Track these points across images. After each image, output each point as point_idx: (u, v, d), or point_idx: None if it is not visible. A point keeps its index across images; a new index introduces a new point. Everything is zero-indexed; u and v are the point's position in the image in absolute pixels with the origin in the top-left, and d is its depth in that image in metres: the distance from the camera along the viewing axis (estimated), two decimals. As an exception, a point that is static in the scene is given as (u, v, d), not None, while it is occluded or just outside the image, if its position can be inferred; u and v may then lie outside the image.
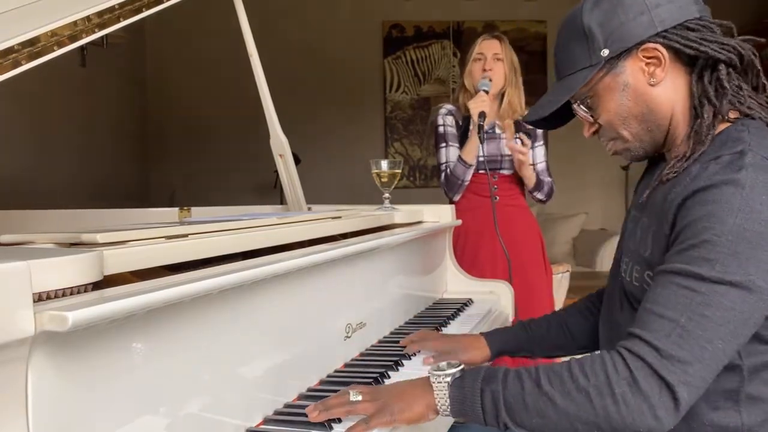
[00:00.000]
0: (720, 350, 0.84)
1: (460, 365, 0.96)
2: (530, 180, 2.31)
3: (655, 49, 0.97)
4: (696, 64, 0.98)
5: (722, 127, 0.97)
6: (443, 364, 0.98)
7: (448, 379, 0.94)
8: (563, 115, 1.09)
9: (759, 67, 0.99)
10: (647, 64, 0.98)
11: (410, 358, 1.29)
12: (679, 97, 1.00)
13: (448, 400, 0.93)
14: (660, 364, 0.83)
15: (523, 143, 2.26)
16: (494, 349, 1.29)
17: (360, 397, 0.96)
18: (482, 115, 2.18)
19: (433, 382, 0.95)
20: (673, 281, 0.87)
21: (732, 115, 0.98)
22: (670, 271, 0.88)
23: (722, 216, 0.85)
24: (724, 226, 0.84)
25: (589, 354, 0.92)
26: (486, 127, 2.22)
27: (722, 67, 0.96)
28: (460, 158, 2.29)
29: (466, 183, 2.31)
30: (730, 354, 0.86)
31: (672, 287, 0.87)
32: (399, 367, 1.23)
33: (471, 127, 2.29)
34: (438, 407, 0.94)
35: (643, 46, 0.97)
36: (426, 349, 1.30)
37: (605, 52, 0.99)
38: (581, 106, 1.06)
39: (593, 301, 1.30)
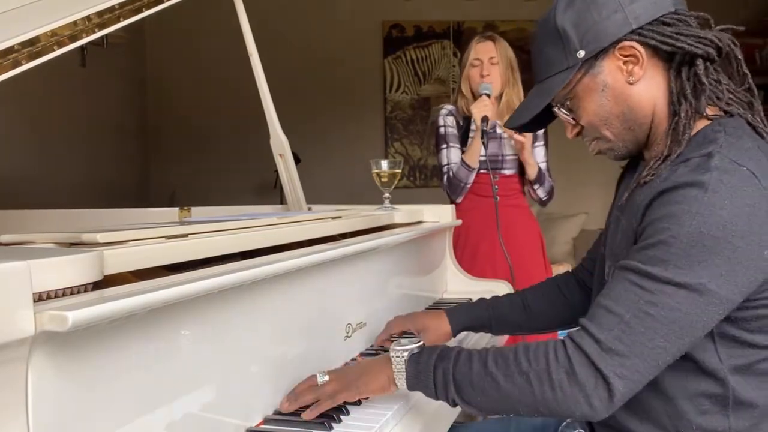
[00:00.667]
0: (660, 348, 0.85)
1: (419, 341, 1.01)
2: (533, 168, 2.30)
3: (632, 47, 0.96)
4: (673, 58, 0.96)
5: (701, 125, 0.96)
6: (404, 340, 1.02)
7: (406, 354, 0.99)
8: (545, 116, 1.09)
9: (740, 57, 0.98)
10: (625, 62, 0.97)
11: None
12: (660, 94, 0.98)
13: (404, 374, 0.98)
14: (598, 356, 0.86)
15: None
16: (455, 326, 1.32)
17: (327, 377, 1.03)
18: (485, 119, 2.18)
19: (392, 356, 1.00)
20: (627, 277, 0.88)
21: (711, 111, 0.96)
22: (626, 267, 0.89)
23: (681, 217, 0.85)
24: (682, 228, 0.84)
25: (536, 341, 0.93)
26: (488, 128, 2.23)
27: (699, 61, 0.95)
28: (463, 162, 2.29)
29: (469, 185, 2.32)
30: (675, 353, 0.87)
31: (624, 283, 0.88)
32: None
33: (473, 131, 2.29)
34: (396, 380, 0.99)
35: (620, 45, 0.96)
36: (392, 332, 1.34)
37: (581, 53, 0.97)
38: (561, 109, 1.05)
39: (559, 283, 1.33)
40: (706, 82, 0.94)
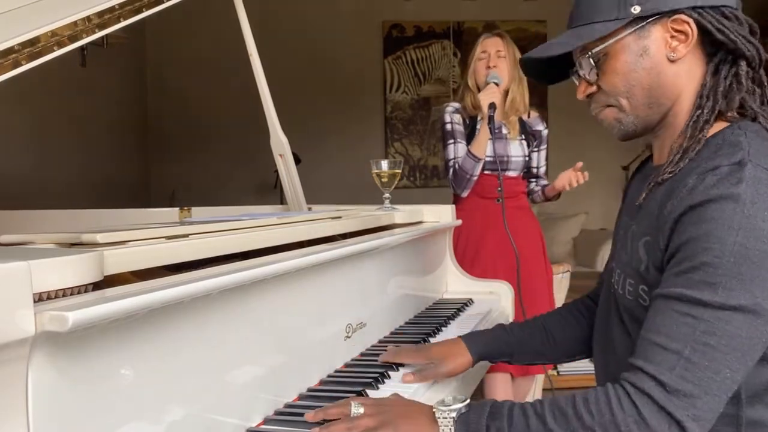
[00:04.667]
0: (728, 379, 0.81)
1: (465, 399, 0.93)
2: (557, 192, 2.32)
3: (687, 22, 0.92)
4: (717, 54, 0.94)
5: (719, 127, 0.93)
6: (449, 398, 0.93)
7: (454, 414, 0.91)
8: (557, 70, 1.03)
9: (765, 83, 0.96)
10: (672, 36, 0.93)
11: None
12: (690, 82, 0.95)
13: None
14: (666, 400, 0.80)
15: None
16: (475, 354, 1.22)
17: (362, 410, 0.93)
18: (492, 106, 2.18)
19: (438, 417, 0.91)
20: (674, 308, 0.83)
21: (731, 114, 0.94)
22: (669, 296, 0.84)
23: (722, 235, 0.80)
24: (725, 246, 0.80)
25: (593, 389, 0.87)
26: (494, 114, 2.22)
27: (743, 63, 0.92)
28: (469, 152, 2.26)
29: (475, 178, 2.29)
30: (739, 380, 0.82)
31: (673, 314, 0.83)
32: (399, 368, 1.23)
33: (480, 120, 2.28)
34: None
35: (676, 16, 0.92)
36: (402, 358, 1.23)
37: (636, 9, 0.92)
38: (589, 59, 0.98)
39: (579, 308, 1.26)
40: (744, 84, 0.92)
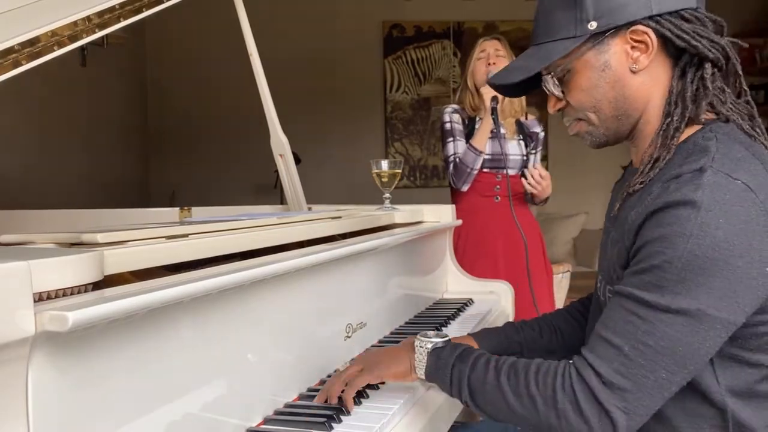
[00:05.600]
0: (664, 380, 0.83)
1: (446, 337, 1.04)
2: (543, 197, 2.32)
3: (645, 32, 0.91)
4: (681, 58, 0.93)
5: (690, 131, 0.92)
6: (431, 332, 1.04)
7: (430, 345, 1.01)
8: (528, 83, 1.02)
9: (740, 72, 0.95)
10: (633, 47, 0.92)
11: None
12: (657, 90, 0.94)
13: (424, 364, 1.01)
14: (601, 390, 0.84)
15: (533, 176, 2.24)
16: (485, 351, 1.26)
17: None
18: (495, 99, 2.20)
19: (416, 346, 1.02)
20: (623, 305, 0.86)
21: (703, 117, 0.92)
22: (621, 293, 0.87)
23: (674, 240, 0.81)
24: (676, 252, 0.81)
25: (550, 362, 0.92)
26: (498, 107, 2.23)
27: (708, 66, 0.91)
28: (471, 145, 2.27)
29: (475, 172, 2.29)
30: (680, 382, 0.84)
31: (621, 311, 0.86)
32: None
33: (479, 120, 2.29)
34: (416, 367, 1.02)
35: (633, 27, 0.91)
36: None
37: (593, 25, 0.92)
38: (553, 79, 0.99)
39: (585, 305, 1.27)
40: (710, 87, 0.91)
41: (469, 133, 2.36)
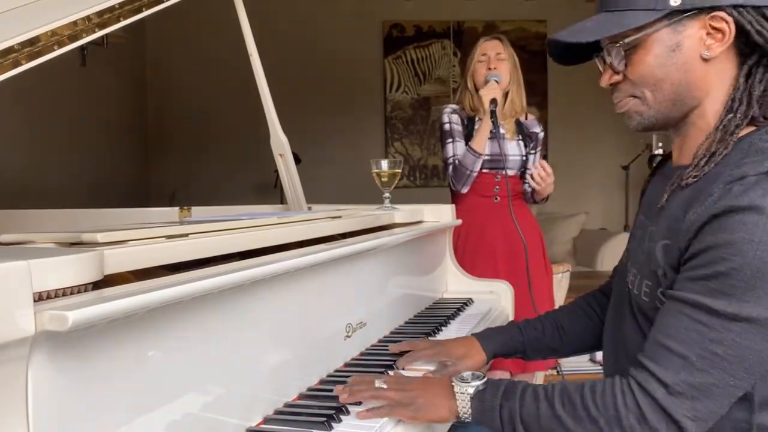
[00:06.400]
0: (732, 386, 0.82)
1: (484, 377, 1.00)
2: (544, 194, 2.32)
3: (726, 21, 0.88)
4: (751, 56, 0.91)
5: (746, 130, 0.91)
6: (467, 374, 1.00)
7: (471, 390, 0.97)
8: (580, 51, 0.99)
9: None
10: (709, 34, 0.90)
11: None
12: (720, 83, 0.92)
13: (470, 410, 0.97)
14: (668, 401, 0.83)
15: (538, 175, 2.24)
16: (489, 352, 1.26)
17: (385, 385, 1.02)
18: (494, 101, 2.20)
19: (457, 392, 0.98)
20: (686, 312, 0.84)
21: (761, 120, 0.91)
22: (683, 300, 0.85)
23: (742, 247, 0.79)
24: (744, 258, 0.79)
25: (601, 380, 0.90)
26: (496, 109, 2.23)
27: None
28: (470, 147, 2.26)
29: (475, 173, 2.29)
30: (745, 388, 0.84)
31: (683, 319, 0.84)
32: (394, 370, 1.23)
33: (479, 120, 2.29)
34: (460, 415, 0.98)
35: (715, 13, 0.89)
36: (418, 361, 1.25)
37: (676, 2, 0.89)
38: (617, 49, 0.95)
39: (591, 303, 1.27)
40: None
41: (468, 133, 2.35)
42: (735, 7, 0.89)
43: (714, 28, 0.90)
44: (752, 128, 0.91)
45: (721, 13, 0.89)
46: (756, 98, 0.90)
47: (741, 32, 0.90)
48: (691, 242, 0.86)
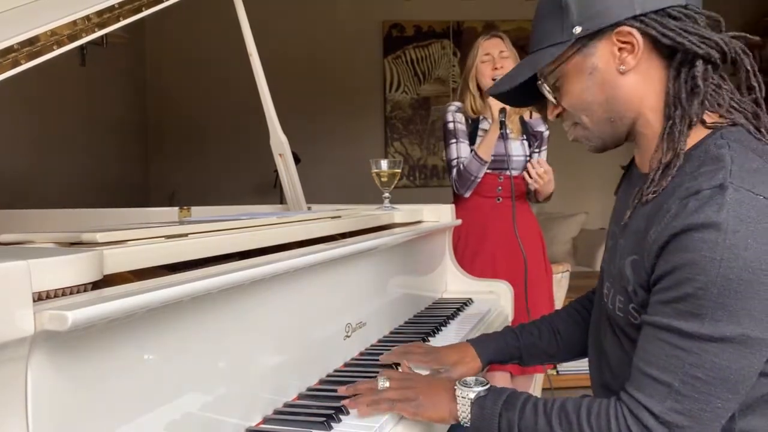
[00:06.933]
0: (720, 408, 0.82)
1: (487, 383, 1.00)
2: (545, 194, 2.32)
3: (630, 33, 0.90)
4: (674, 57, 0.90)
5: (700, 134, 0.90)
6: (470, 379, 1.00)
7: (472, 395, 0.97)
8: (532, 93, 1.03)
9: (748, 67, 0.92)
10: (620, 49, 0.91)
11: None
12: (651, 91, 0.92)
13: (469, 415, 0.97)
14: (660, 428, 0.83)
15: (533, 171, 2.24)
16: (485, 360, 1.25)
17: (388, 384, 1.03)
18: (503, 111, 2.18)
19: (458, 395, 0.99)
20: (662, 338, 0.83)
21: (709, 119, 0.90)
22: (657, 326, 0.84)
23: (705, 266, 0.78)
24: (708, 277, 0.78)
25: (598, 401, 0.90)
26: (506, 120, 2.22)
27: (699, 62, 0.88)
28: (476, 155, 2.25)
29: (479, 179, 2.29)
30: (734, 407, 0.83)
31: (662, 345, 0.83)
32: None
33: (482, 129, 2.28)
34: (459, 419, 0.98)
35: (618, 29, 0.90)
36: (412, 365, 1.23)
37: (577, 29, 0.92)
38: (545, 85, 1.00)
39: (584, 305, 1.27)
40: (701, 85, 0.88)
41: (471, 132, 2.34)
42: (635, 17, 0.90)
43: (623, 42, 0.91)
44: (706, 132, 0.90)
45: (624, 28, 0.90)
46: (685, 99, 0.89)
47: (651, 38, 0.90)
48: (657, 262, 0.85)
